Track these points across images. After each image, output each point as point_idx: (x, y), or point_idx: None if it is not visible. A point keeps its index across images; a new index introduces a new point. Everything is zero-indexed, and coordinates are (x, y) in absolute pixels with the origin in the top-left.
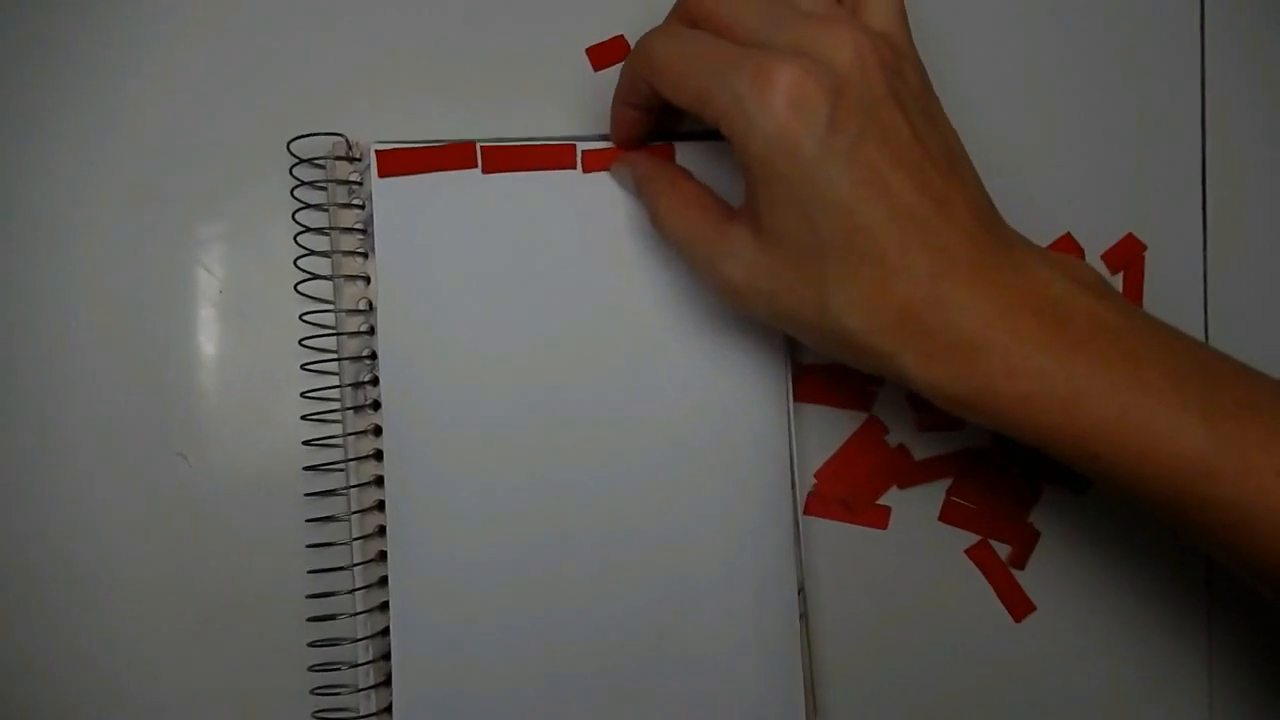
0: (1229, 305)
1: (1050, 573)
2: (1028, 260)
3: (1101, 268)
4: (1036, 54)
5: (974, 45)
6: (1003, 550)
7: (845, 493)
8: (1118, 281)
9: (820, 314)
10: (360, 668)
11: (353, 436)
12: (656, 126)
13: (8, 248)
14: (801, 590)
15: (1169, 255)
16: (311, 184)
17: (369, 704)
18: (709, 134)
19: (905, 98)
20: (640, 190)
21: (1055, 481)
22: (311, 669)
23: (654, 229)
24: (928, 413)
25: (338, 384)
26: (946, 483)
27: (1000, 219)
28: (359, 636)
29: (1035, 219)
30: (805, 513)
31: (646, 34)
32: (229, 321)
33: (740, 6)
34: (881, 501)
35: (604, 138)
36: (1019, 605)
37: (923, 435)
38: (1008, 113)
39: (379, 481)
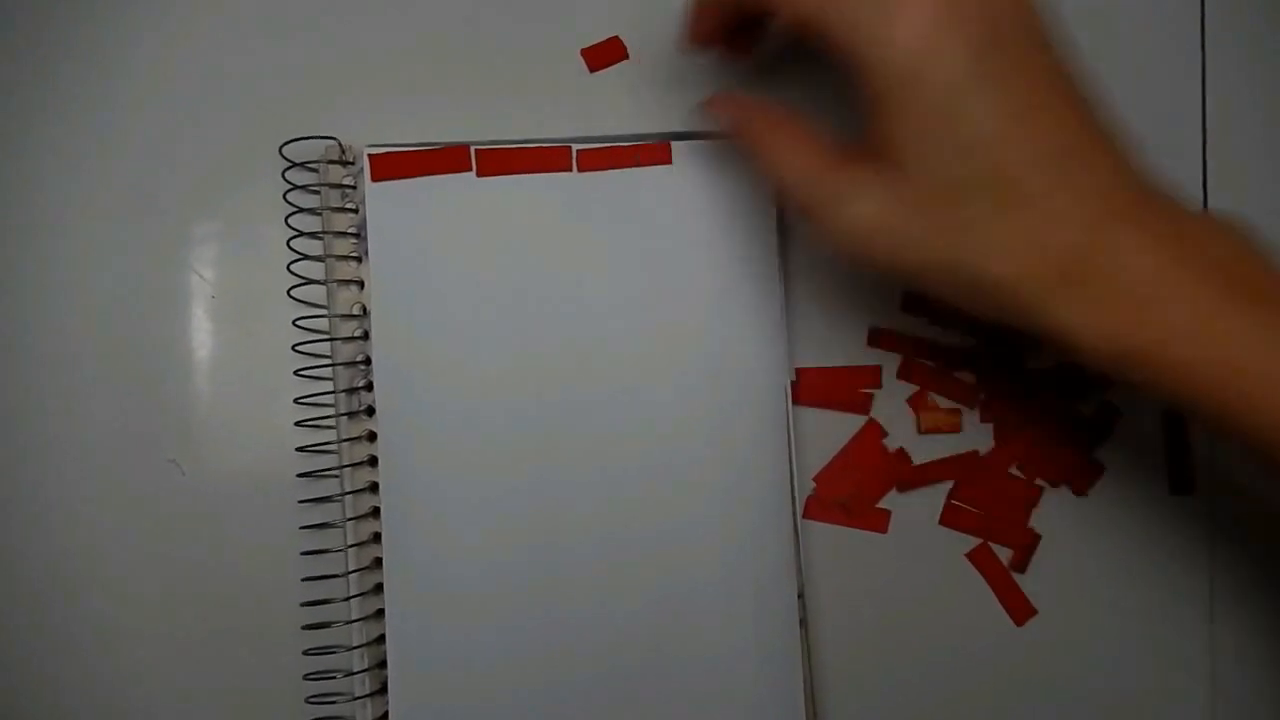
0: None
1: (1052, 576)
2: (1181, 213)
3: None
4: None
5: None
6: (1004, 554)
7: (844, 496)
8: None
9: (957, 260)
10: (356, 675)
11: (347, 443)
12: (737, 31)
13: None
14: (801, 595)
15: None
16: (305, 188)
17: (365, 713)
18: (709, 134)
19: (1052, 33)
20: (742, 131)
21: (1057, 483)
22: (307, 677)
23: (763, 172)
24: (928, 414)
25: (332, 390)
26: (947, 486)
27: (1143, 166)
28: (354, 644)
29: None
30: (804, 517)
31: None
32: (221, 326)
33: None
34: (881, 505)
35: (600, 139)
36: (1020, 609)
37: (922, 438)
38: None
39: (374, 488)
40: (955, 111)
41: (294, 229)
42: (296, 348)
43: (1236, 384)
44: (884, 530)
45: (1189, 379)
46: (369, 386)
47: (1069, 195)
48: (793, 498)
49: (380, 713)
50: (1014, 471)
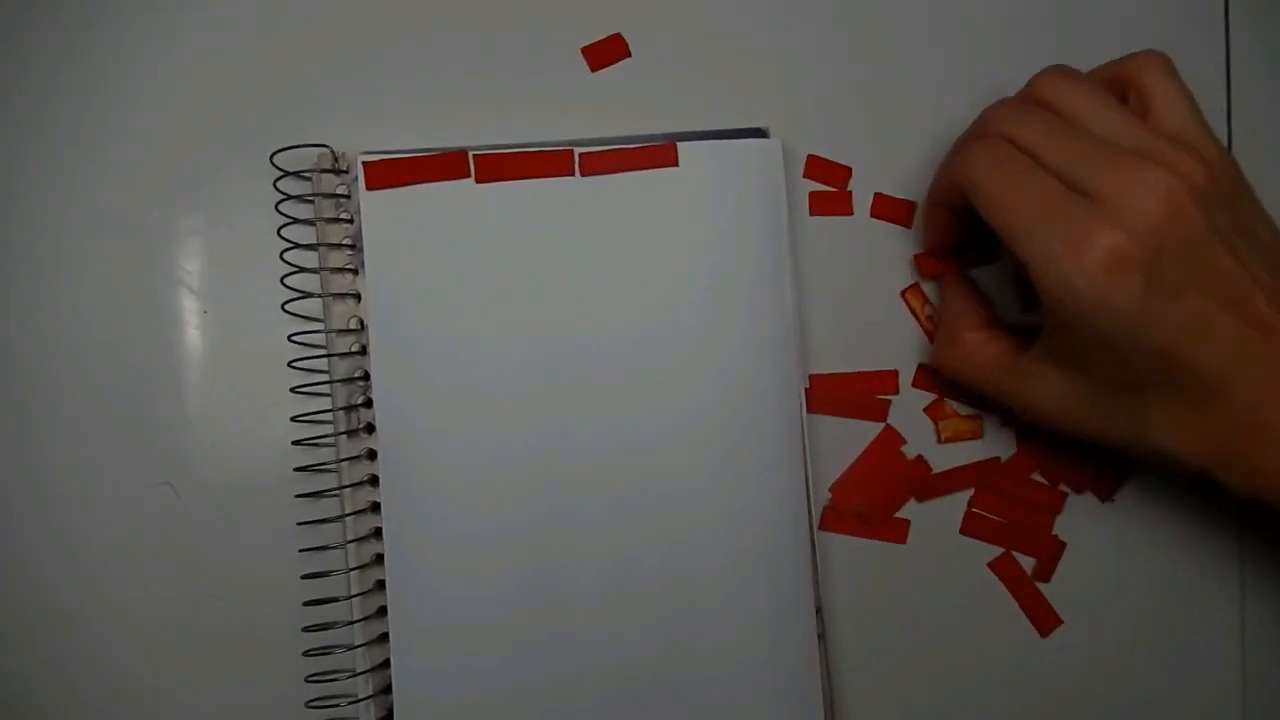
0: None
1: (1077, 585)
2: None
3: None
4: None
5: (994, 51)
6: (1027, 563)
7: (862, 506)
8: None
9: (1138, 437)
10: (361, 703)
11: (347, 462)
12: (967, 232)
13: None
14: (819, 610)
15: None
16: (298, 198)
17: None
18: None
19: (1224, 225)
20: (939, 318)
21: (1082, 489)
22: (309, 705)
23: (945, 362)
24: (948, 423)
25: (330, 407)
26: (967, 494)
27: None
28: (358, 670)
29: None
30: (821, 528)
31: (972, 141)
32: (214, 343)
33: (1077, 109)
34: (900, 515)
35: (603, 141)
36: (1045, 619)
37: (942, 445)
38: None
39: (375, 508)
40: (1129, 337)
41: (287, 241)
42: (292, 364)
43: None
44: (903, 541)
45: None
46: (368, 403)
47: (1244, 383)
48: (808, 508)
49: None
50: (1037, 478)
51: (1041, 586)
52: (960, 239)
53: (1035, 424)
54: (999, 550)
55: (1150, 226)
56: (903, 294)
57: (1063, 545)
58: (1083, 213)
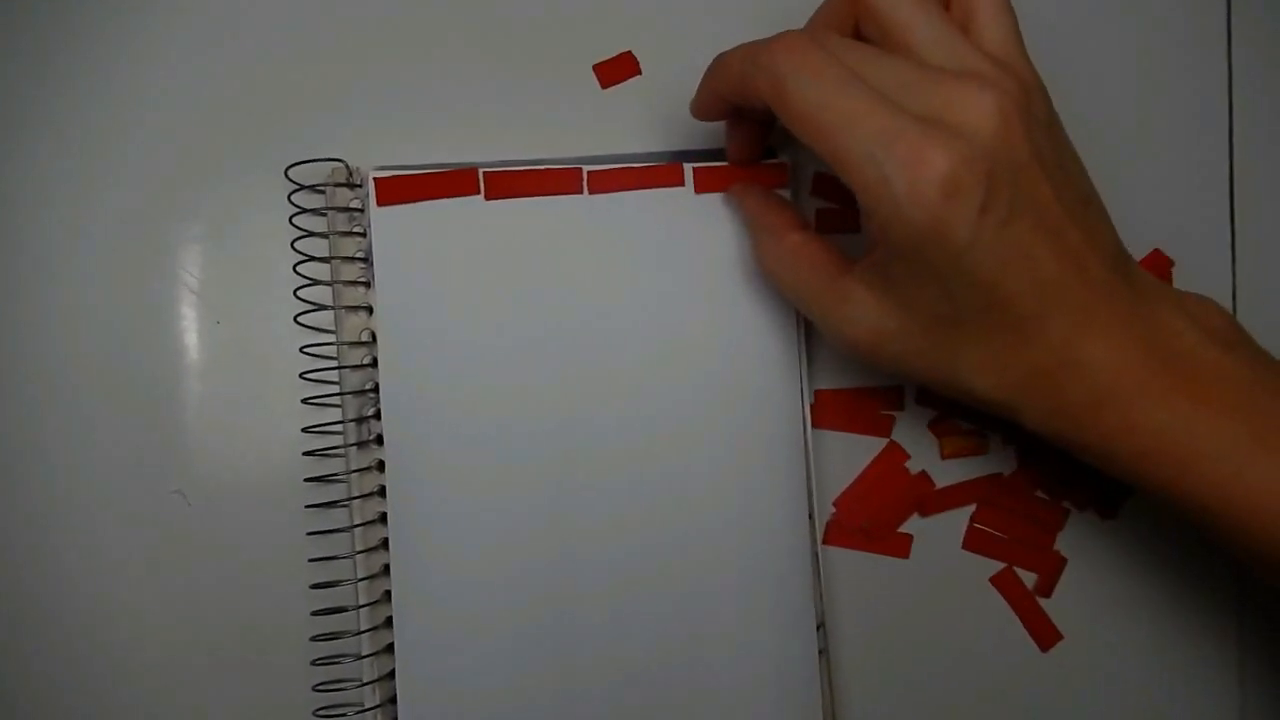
0: (1258, 321)
1: (1078, 600)
2: (1160, 308)
3: None
4: (1062, 69)
5: None
6: (1029, 578)
7: (865, 521)
8: None
9: (950, 376)
10: (367, 712)
11: (356, 473)
12: (768, 139)
13: None
14: (821, 625)
15: (1197, 270)
16: (312, 211)
17: None
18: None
19: (1044, 150)
20: (748, 229)
21: (1084, 506)
22: (316, 713)
23: (763, 272)
24: (951, 440)
25: (340, 419)
26: (970, 509)
27: (1130, 260)
28: (365, 680)
29: None
30: (824, 542)
31: (777, 48)
32: (225, 354)
33: (900, 18)
34: (903, 529)
35: (612, 159)
36: (1046, 634)
37: (945, 461)
38: None
39: (384, 519)
40: (955, 266)
41: (300, 253)
42: (304, 376)
43: (1181, 478)
44: (906, 555)
45: (1134, 474)
46: (379, 414)
47: (1057, 315)
48: (812, 522)
49: None
50: (1039, 494)
51: (1043, 602)
52: (763, 147)
53: (842, 350)
54: (1001, 565)
55: (985, 150)
56: None
57: (1064, 561)
58: (915, 135)
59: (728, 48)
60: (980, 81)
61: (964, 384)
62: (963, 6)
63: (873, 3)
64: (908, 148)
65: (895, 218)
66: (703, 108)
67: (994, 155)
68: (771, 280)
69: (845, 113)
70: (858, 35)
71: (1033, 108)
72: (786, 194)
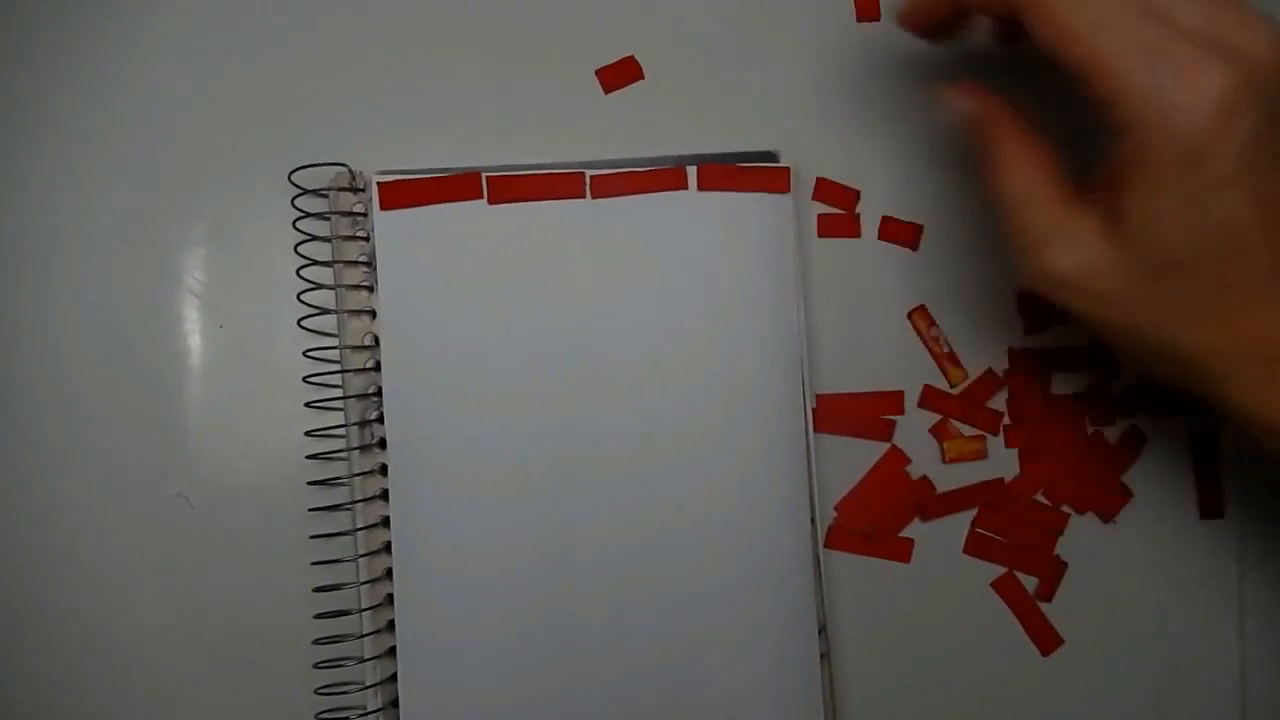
0: None
1: (1079, 605)
2: None
3: None
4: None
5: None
6: (1030, 582)
7: (867, 525)
8: None
9: (1158, 329)
10: (370, 715)
11: (359, 476)
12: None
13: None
14: (823, 629)
15: None
16: (316, 215)
17: None
18: (727, 158)
19: None
20: (981, 131)
21: (1084, 511)
22: (318, 716)
23: (987, 179)
24: (952, 444)
25: (343, 422)
26: (971, 514)
27: None
28: (367, 683)
29: None
30: (826, 546)
31: None
32: (229, 358)
33: None
34: (904, 534)
35: (614, 163)
36: (1047, 639)
37: (946, 466)
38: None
39: (387, 522)
40: (1211, 201)
41: (304, 257)
42: (307, 379)
43: None
44: (907, 560)
45: None
46: (381, 418)
47: None
48: (814, 527)
49: None
50: (1040, 498)
51: (1043, 606)
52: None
53: (1037, 282)
54: (1002, 569)
55: (1265, 78)
56: (909, 316)
57: (1064, 565)
58: (1194, 46)
59: (729, 53)
60: (1255, 14)
61: (1170, 339)
62: None
63: None
64: (1188, 56)
65: (1164, 129)
66: (920, 7)
67: (1273, 87)
68: (998, 184)
69: (1113, 18)
70: None
71: None
72: (788, 200)
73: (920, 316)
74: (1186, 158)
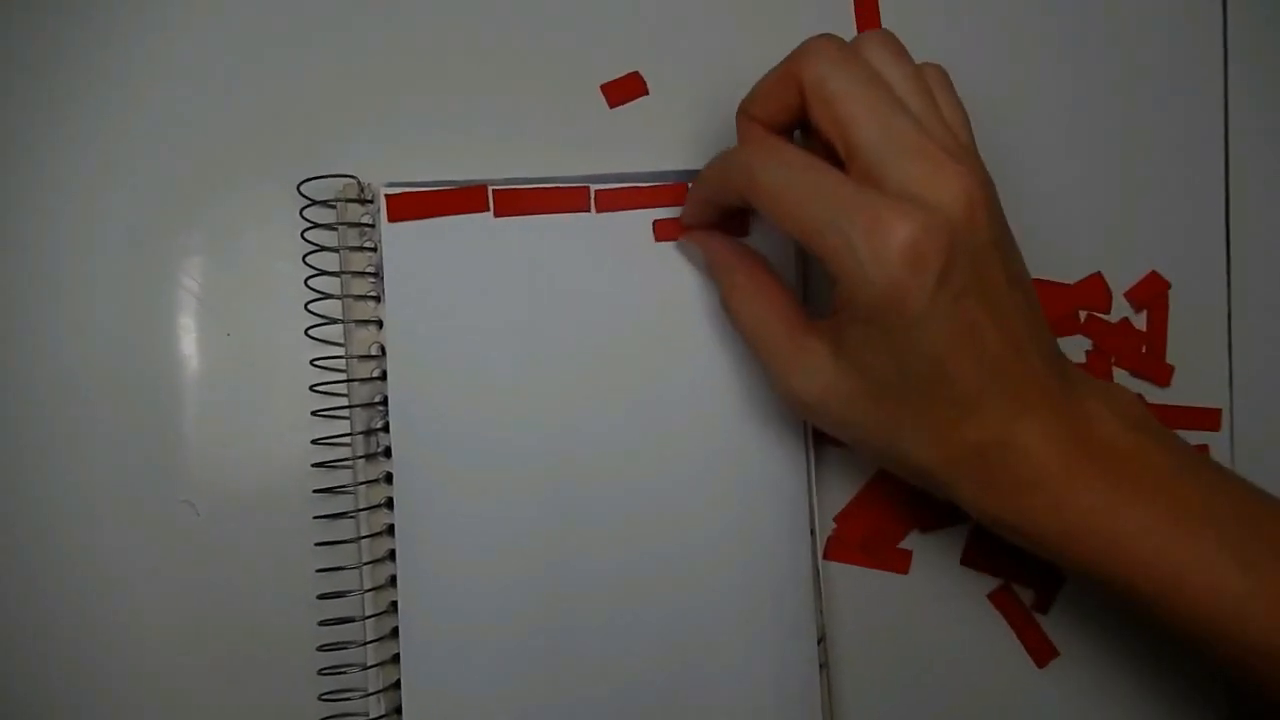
0: (1252, 342)
1: (1074, 617)
2: (1085, 398)
3: (1125, 306)
4: (1059, 94)
5: (1000, 86)
6: (1026, 595)
7: (865, 536)
8: (1141, 320)
9: (889, 445)
10: None
11: (364, 485)
12: (731, 217)
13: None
14: (822, 640)
15: (1192, 293)
16: (324, 226)
17: None
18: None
19: (1001, 240)
20: (712, 271)
21: None
22: None
23: (724, 314)
24: None
25: (349, 431)
26: (968, 526)
27: (1060, 353)
28: (370, 690)
29: (1061, 258)
30: (825, 557)
31: (746, 151)
32: (236, 366)
33: (858, 108)
34: (902, 546)
35: (619, 177)
36: (1042, 651)
37: None
38: (1033, 152)
39: (392, 530)
40: (910, 335)
41: (312, 267)
42: (314, 388)
43: (1106, 558)
44: (905, 571)
45: (1060, 552)
46: (387, 427)
47: (998, 396)
48: (813, 538)
49: None
50: None
51: (1039, 618)
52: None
53: (788, 404)
54: (998, 582)
55: (948, 225)
56: None
57: (1061, 578)
58: (883, 206)
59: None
60: (955, 166)
61: (903, 455)
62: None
63: (873, 61)
64: (872, 215)
65: (857, 281)
66: (695, 217)
67: (957, 231)
68: (735, 319)
69: (811, 187)
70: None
71: (993, 198)
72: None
73: None
74: (883, 301)
